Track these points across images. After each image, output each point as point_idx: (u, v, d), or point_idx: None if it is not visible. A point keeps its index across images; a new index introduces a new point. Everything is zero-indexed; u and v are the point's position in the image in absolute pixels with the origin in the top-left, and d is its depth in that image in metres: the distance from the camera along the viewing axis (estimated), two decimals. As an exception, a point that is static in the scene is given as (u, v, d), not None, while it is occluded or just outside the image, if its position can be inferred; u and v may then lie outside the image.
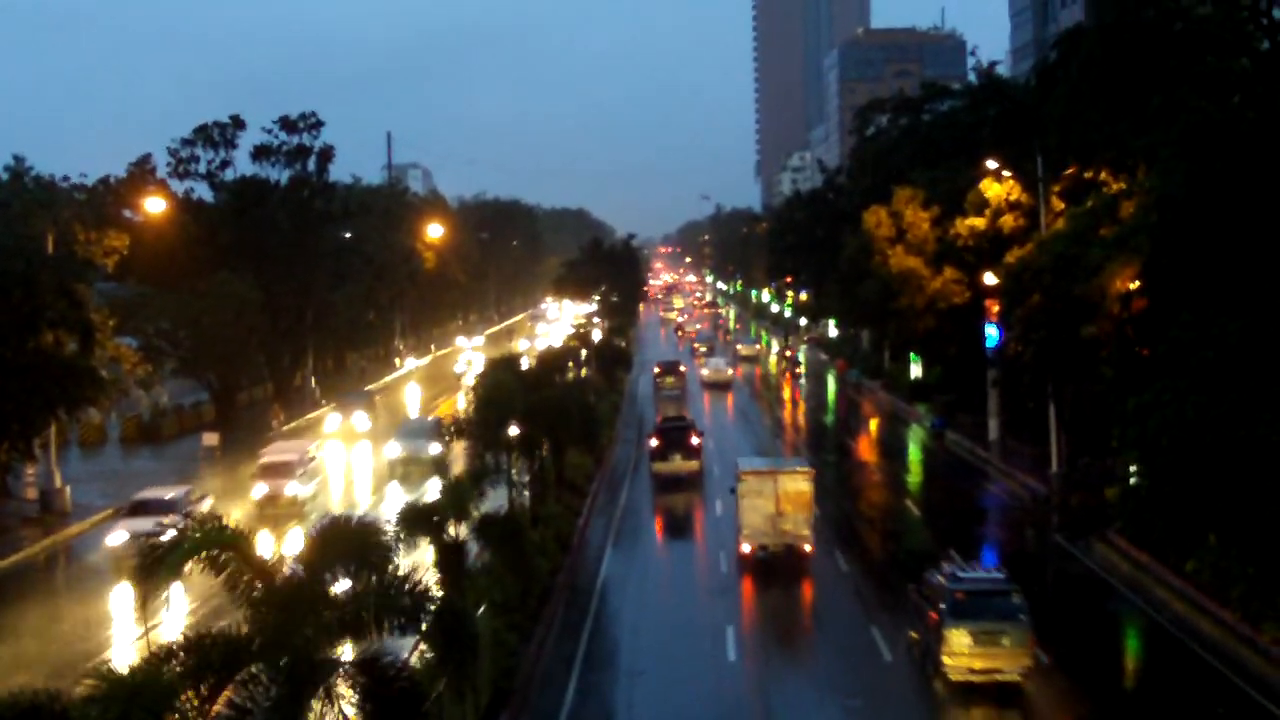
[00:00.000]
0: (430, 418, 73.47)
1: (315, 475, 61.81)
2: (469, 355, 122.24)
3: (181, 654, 18.37)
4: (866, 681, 34.74)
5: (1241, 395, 35.61)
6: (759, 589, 44.14)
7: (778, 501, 46.95)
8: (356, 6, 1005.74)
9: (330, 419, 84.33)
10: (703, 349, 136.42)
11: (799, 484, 47.35)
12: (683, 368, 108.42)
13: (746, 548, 47.04)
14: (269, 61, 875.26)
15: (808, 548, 47.05)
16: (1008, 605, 32.93)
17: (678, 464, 64.39)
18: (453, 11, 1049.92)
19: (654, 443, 65.71)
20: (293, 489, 57.08)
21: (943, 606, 32.86)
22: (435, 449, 60.35)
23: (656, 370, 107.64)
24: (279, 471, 57.69)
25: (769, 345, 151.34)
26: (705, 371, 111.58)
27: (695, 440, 65.66)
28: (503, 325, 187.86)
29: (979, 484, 63.14)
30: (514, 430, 45.45)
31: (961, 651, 32.19)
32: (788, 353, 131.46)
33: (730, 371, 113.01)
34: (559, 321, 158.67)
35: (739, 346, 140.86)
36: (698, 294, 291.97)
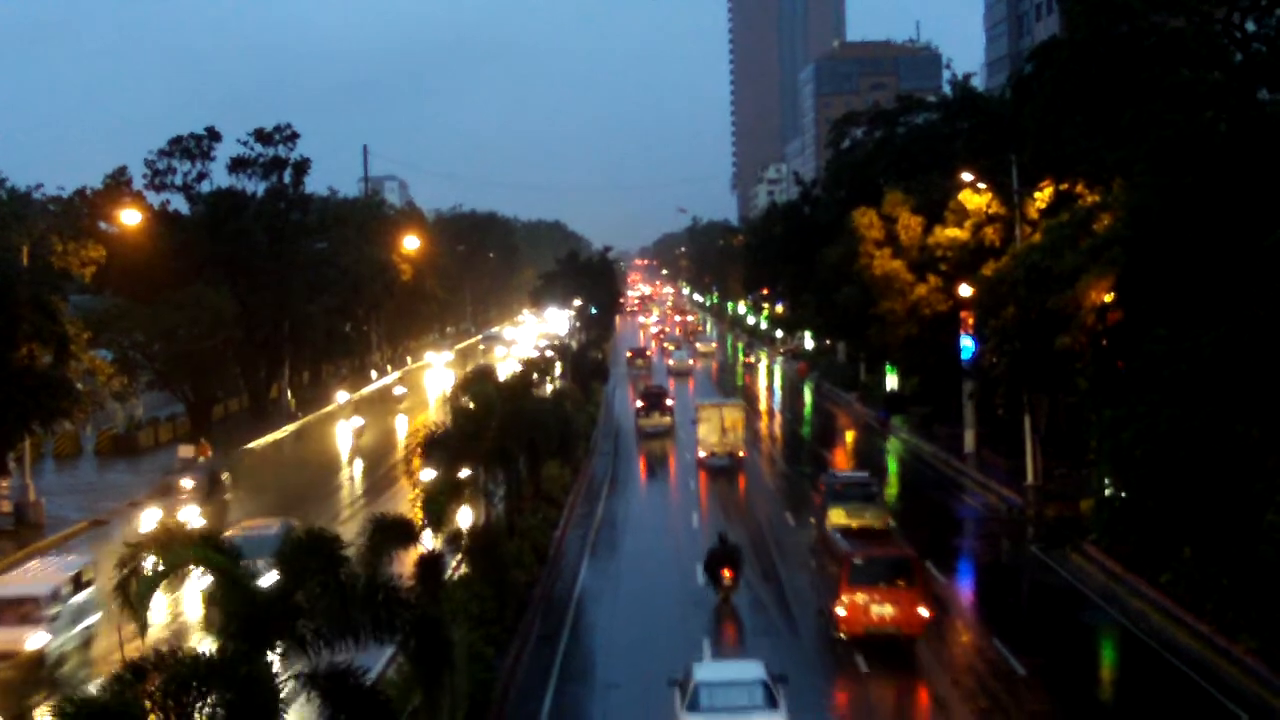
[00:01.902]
0: (279, 526, 44.83)
1: (80, 615, 39.45)
2: (401, 387, 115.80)
3: (152, 671, 18.24)
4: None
5: (1215, 408, 35.75)
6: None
7: (722, 423, 71.90)
8: (334, 20, 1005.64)
9: (148, 515, 55.91)
10: (670, 346, 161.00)
11: (736, 413, 73.44)
12: (649, 352, 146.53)
13: (702, 453, 72.30)
14: (248, 74, 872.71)
15: (742, 453, 72.64)
16: (867, 492, 51.45)
17: (656, 419, 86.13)
18: (431, 27, 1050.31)
19: (639, 404, 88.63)
20: (35, 640, 37.10)
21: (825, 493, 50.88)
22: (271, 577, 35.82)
23: (629, 355, 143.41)
24: (13, 613, 37.42)
25: (739, 350, 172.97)
26: (671, 361, 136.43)
27: (669, 402, 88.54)
28: (475, 339, 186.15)
29: (954, 496, 63.26)
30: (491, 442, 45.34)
31: (840, 518, 45.22)
32: (748, 358, 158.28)
33: (690, 361, 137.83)
34: (516, 345, 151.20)
35: (698, 345, 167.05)
36: (669, 304, 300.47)
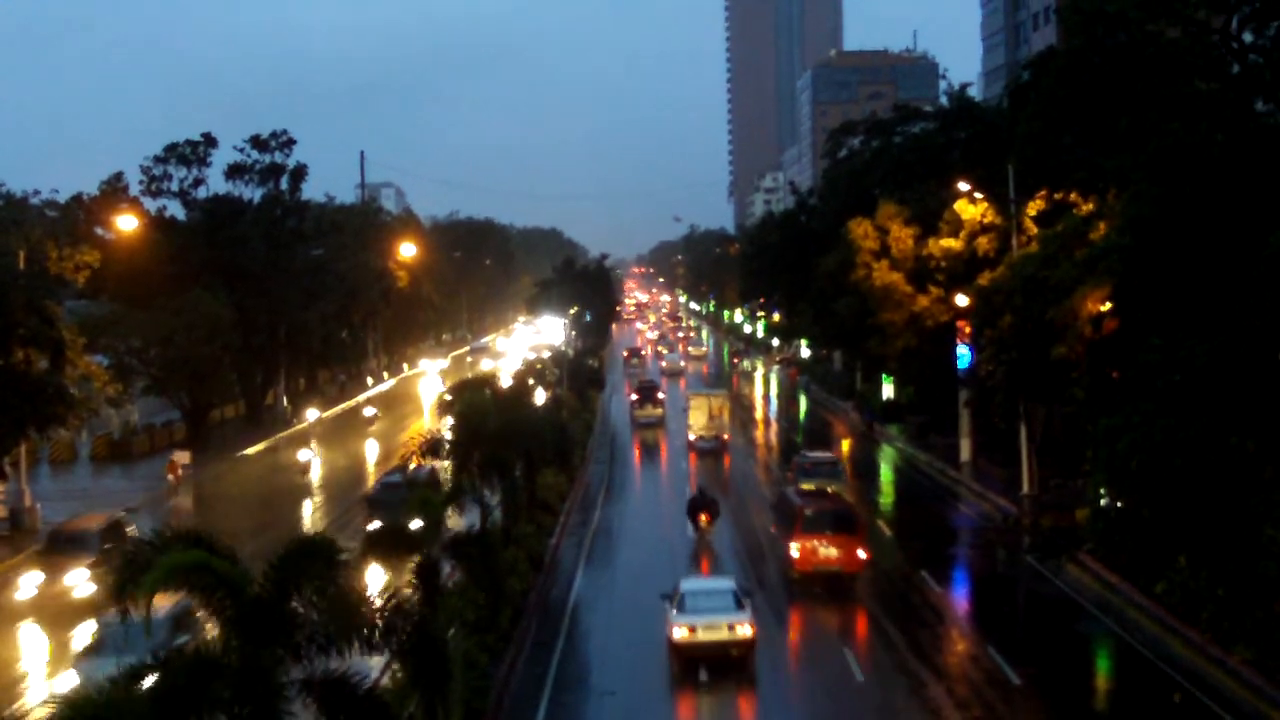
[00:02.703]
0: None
1: None
2: (371, 408, 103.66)
3: (150, 675, 18.24)
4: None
5: (1209, 418, 35.80)
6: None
7: (709, 410, 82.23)
8: (332, 28, 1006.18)
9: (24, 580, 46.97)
10: (664, 349, 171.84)
11: (722, 400, 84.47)
12: (644, 353, 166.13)
13: (692, 436, 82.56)
14: (245, 81, 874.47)
15: (726, 436, 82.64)
16: (833, 470, 62.91)
17: (649, 410, 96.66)
18: (428, 35, 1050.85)
19: (634, 397, 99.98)
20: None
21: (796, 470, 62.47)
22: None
23: (625, 354, 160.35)
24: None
25: (727, 354, 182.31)
26: (664, 363, 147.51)
27: (660, 395, 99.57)
28: (464, 350, 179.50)
29: (950, 505, 63.29)
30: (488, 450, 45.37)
31: (809, 486, 55.92)
32: (734, 359, 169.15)
33: (682, 363, 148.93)
34: (505, 358, 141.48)
35: (690, 348, 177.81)
36: (664, 311, 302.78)
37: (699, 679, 36.13)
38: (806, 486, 56.46)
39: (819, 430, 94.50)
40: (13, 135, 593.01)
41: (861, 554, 45.93)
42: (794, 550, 45.78)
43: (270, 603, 19.45)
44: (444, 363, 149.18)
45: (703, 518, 53.08)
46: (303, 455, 77.55)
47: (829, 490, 54.31)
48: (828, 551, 45.51)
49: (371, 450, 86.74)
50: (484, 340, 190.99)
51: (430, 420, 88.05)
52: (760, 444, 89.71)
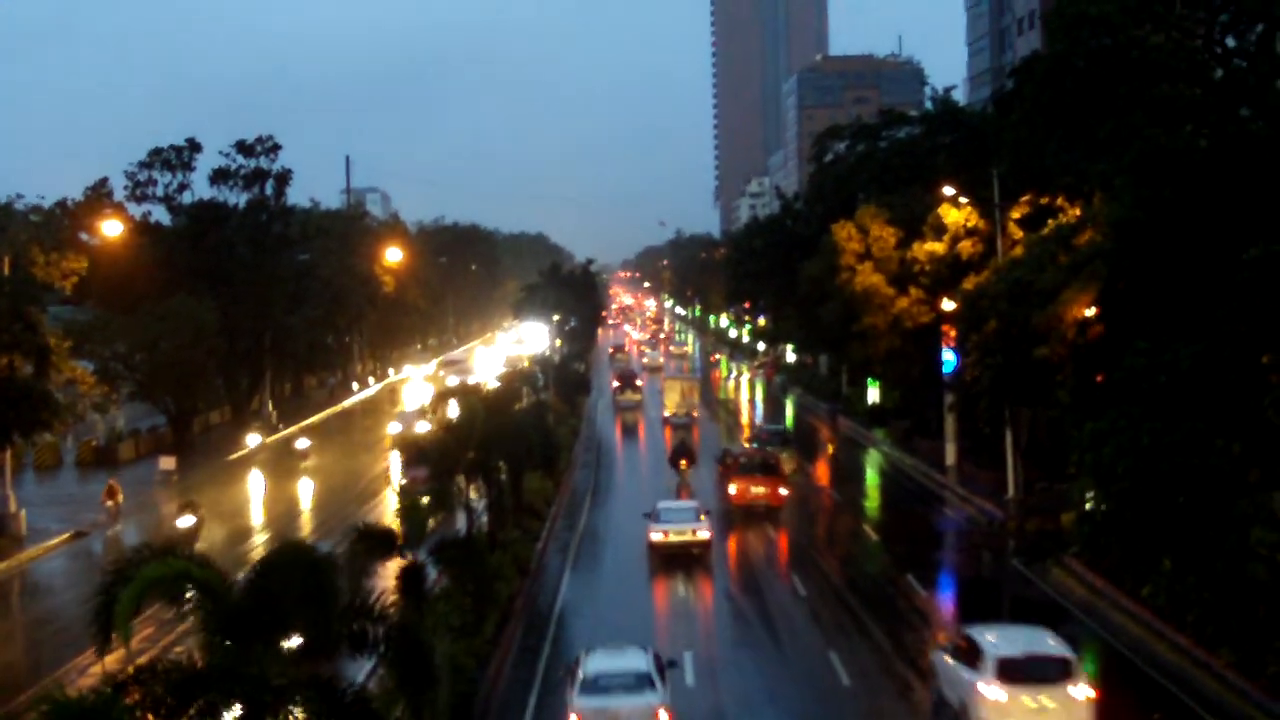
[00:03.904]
0: None
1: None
2: (305, 439, 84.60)
3: (134, 683, 18.16)
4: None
5: (1194, 421, 35.88)
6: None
7: (681, 390, 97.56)
8: (318, 32, 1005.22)
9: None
10: (645, 348, 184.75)
11: (692, 384, 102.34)
12: (627, 345, 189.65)
13: (667, 413, 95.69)
14: (230, 85, 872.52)
15: (696, 413, 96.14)
16: (784, 438, 78.49)
17: (629, 395, 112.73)
18: (414, 40, 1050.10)
19: (615, 383, 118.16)
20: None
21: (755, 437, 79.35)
22: None
23: (611, 350, 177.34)
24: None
25: (705, 352, 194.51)
26: (645, 360, 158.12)
27: (639, 382, 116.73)
28: (438, 360, 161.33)
29: (935, 509, 63.36)
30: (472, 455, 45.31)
31: (747, 446, 73.94)
32: (713, 357, 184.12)
33: (661, 359, 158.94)
34: (473, 376, 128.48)
35: (670, 347, 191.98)
36: (648, 315, 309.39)
37: (685, 683, 36.20)
38: (745, 445, 75.46)
39: (777, 413, 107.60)
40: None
41: (783, 491, 60.98)
42: (731, 489, 61.13)
43: (255, 610, 19.42)
44: (429, 368, 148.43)
45: (683, 464, 67.64)
46: (182, 521, 54.32)
47: (766, 449, 69.27)
48: (756, 489, 60.40)
49: (305, 492, 72.21)
50: (456, 352, 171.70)
51: (382, 459, 78.26)
52: (723, 422, 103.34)
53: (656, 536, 51.01)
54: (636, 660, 32.55)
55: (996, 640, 31.40)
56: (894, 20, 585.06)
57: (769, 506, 60.09)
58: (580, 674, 31.76)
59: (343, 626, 19.86)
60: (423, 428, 61.29)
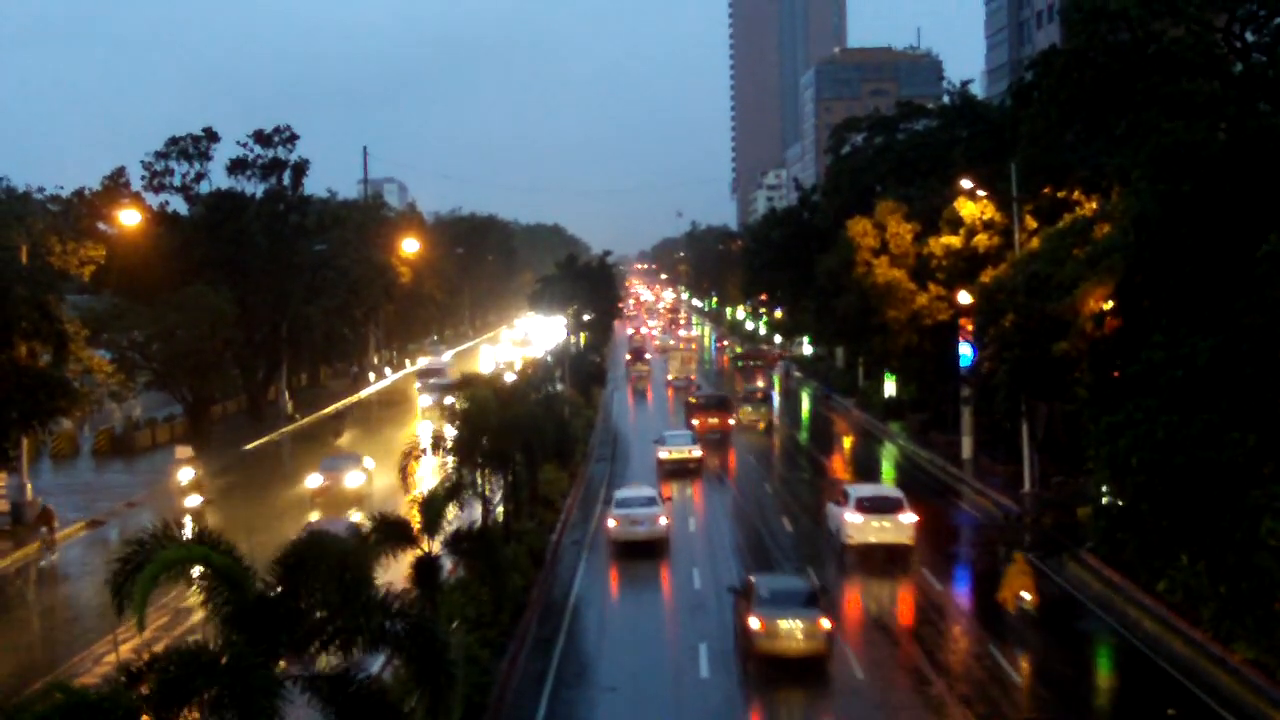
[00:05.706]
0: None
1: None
2: (188, 472, 65.19)
3: (148, 671, 18.10)
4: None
5: (1211, 415, 35.81)
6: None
7: (682, 360, 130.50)
8: (336, 23, 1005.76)
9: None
10: (658, 333, 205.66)
11: (690, 354, 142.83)
12: (643, 330, 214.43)
13: (669, 377, 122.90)
14: (250, 76, 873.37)
15: (693, 377, 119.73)
16: (765, 397, 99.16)
17: (640, 367, 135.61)
18: (432, 30, 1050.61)
19: (628, 357, 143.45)
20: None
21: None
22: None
23: (630, 333, 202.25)
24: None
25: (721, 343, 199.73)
26: (656, 342, 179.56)
27: (648, 356, 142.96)
28: (415, 367, 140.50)
29: (951, 503, 63.24)
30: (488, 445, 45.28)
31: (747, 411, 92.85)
32: (720, 343, 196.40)
33: (671, 341, 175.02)
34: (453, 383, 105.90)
35: (681, 332, 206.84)
36: (664, 307, 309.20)
37: (699, 675, 36.24)
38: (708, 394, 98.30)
39: (767, 382, 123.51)
40: (17, 131, 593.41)
41: (731, 421, 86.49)
42: (694, 422, 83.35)
43: (275, 600, 19.41)
44: (446, 358, 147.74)
45: (698, 421, 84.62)
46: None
47: (753, 411, 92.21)
48: (711, 421, 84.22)
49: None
50: (442, 360, 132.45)
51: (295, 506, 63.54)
52: (715, 386, 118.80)
53: (663, 454, 71.43)
54: (688, 433, 76.26)
55: (859, 488, 53.03)
56: (913, 13, 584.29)
57: (722, 433, 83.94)
58: (614, 496, 54.71)
59: (361, 617, 19.82)
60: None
